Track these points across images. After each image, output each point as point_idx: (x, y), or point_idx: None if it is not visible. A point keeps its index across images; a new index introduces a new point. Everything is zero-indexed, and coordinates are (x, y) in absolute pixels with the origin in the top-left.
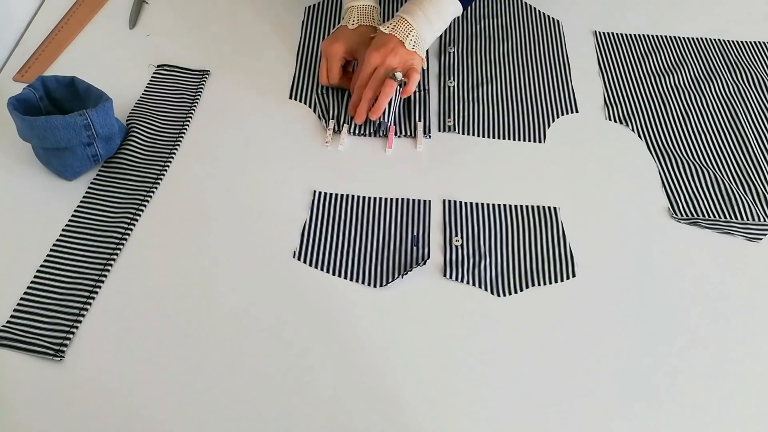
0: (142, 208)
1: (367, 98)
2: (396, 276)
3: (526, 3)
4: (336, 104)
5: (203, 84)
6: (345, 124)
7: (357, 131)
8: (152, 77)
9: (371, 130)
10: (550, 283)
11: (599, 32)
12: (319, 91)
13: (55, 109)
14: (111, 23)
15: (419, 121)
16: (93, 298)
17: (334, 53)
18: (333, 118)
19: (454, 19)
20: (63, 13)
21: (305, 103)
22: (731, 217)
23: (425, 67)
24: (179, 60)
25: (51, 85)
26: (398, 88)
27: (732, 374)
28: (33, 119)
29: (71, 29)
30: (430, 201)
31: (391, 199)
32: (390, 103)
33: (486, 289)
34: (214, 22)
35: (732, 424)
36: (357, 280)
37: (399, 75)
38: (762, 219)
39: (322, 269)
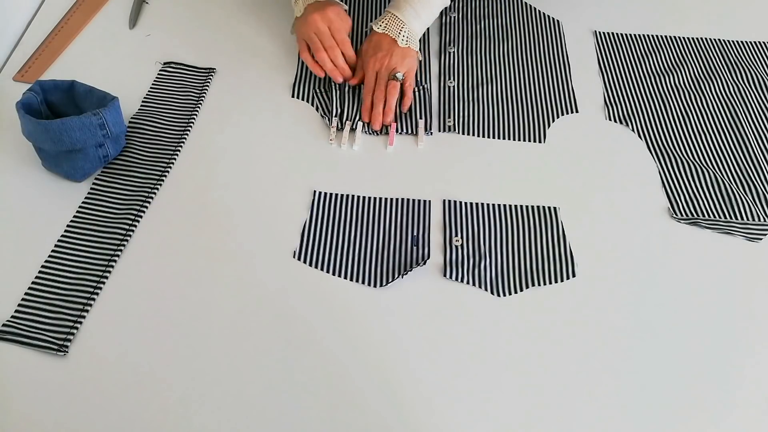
0: (146, 205)
1: (381, 102)
2: (396, 276)
3: (526, 3)
4: (338, 101)
5: (209, 82)
6: (359, 122)
7: (369, 131)
8: (158, 75)
9: (381, 130)
10: (550, 283)
11: (599, 32)
12: (318, 88)
13: (52, 114)
14: (111, 23)
15: (420, 118)
16: (97, 294)
17: (338, 27)
18: (336, 116)
19: (454, 20)
20: (63, 13)
21: (307, 101)
22: (731, 217)
23: (420, 59)
24: (179, 60)
25: (48, 89)
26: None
27: (732, 374)
28: (48, 122)
29: (71, 29)
30: (430, 201)
31: (391, 199)
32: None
33: (486, 289)
34: (213, 22)
35: (731, 424)
36: (357, 280)
37: (400, 75)
38: (762, 219)
39: (322, 269)
